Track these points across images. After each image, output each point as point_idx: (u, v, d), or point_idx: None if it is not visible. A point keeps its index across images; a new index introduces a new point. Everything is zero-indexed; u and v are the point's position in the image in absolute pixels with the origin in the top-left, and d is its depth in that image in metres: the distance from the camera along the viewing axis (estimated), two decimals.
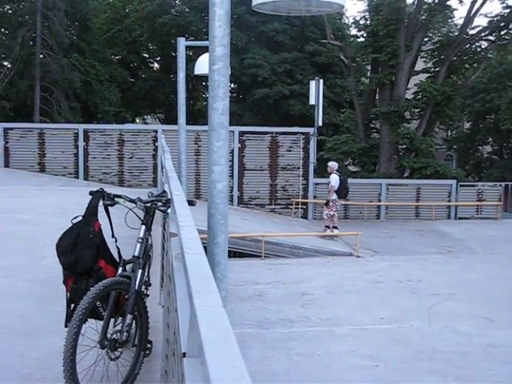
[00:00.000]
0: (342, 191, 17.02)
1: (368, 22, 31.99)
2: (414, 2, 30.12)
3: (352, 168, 35.13)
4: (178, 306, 2.50)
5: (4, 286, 6.01)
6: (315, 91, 22.06)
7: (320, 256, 14.16)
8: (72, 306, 4.07)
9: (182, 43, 7.81)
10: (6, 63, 47.80)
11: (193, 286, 1.75)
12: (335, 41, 31.14)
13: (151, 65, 57.82)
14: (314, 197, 21.15)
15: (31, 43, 46.12)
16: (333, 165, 17.46)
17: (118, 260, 4.23)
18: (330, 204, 16.91)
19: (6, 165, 18.52)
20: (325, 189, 18.26)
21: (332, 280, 11.15)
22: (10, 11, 51.20)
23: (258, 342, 7.10)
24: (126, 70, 51.99)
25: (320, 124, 22.35)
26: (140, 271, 4.17)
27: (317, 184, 21.12)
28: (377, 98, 30.83)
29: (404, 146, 29.20)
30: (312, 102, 22.36)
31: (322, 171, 23.04)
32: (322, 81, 22.78)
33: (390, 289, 10.48)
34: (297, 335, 7.51)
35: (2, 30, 52.97)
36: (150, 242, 4.38)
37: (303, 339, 7.38)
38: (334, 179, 16.92)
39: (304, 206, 21.15)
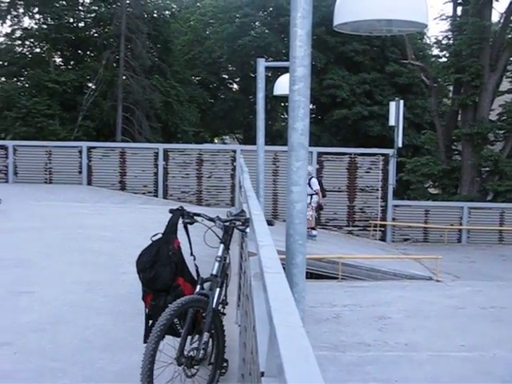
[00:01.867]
0: (323, 192, 17.57)
1: (451, 41, 31.45)
2: (499, 21, 29.44)
3: (432, 190, 34.44)
4: (257, 325, 2.49)
5: (85, 301, 6.15)
6: (395, 112, 21.78)
7: (398, 279, 13.90)
8: (150, 322, 4.12)
9: (261, 64, 7.88)
10: (90, 84, 49.45)
11: (272, 306, 1.74)
12: (416, 61, 30.75)
13: (230, 86, 58.58)
14: (393, 219, 20.82)
15: (115, 65, 47.55)
16: (311, 169, 17.89)
17: (196, 278, 4.26)
18: (314, 206, 17.14)
19: (89, 183, 19.08)
20: (405, 211, 17.95)
21: (411, 304, 10.91)
22: (95, 34, 53.06)
23: (334, 365, 7.00)
24: (206, 90, 52.86)
25: (400, 145, 22.04)
26: (218, 290, 4.19)
27: (396, 206, 20.81)
28: (459, 119, 30.19)
29: (487, 169, 28.41)
30: (392, 123, 22.08)
31: (401, 193, 22.69)
32: (402, 102, 22.50)
33: (471, 315, 10.16)
34: (373, 359, 7.37)
35: (88, 52, 54.93)
36: (228, 260, 4.40)
37: (380, 364, 7.23)
38: (315, 183, 17.08)
39: (382, 228, 20.85)
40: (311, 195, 16.82)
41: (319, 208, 17.53)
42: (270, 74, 35.09)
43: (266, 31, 48.76)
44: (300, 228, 2.69)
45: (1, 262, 7.72)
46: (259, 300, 2.55)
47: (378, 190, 20.73)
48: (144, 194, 18.89)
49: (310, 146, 2.78)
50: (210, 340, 4.17)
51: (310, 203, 16.89)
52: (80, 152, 19.38)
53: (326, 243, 17.37)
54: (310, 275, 13.44)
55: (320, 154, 20.40)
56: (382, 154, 20.98)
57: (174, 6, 59.63)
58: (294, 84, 2.69)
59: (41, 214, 12.40)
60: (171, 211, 4.29)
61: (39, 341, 4.98)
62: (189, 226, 4.26)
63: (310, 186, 16.87)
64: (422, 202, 24.85)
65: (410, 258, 16.46)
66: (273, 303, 1.77)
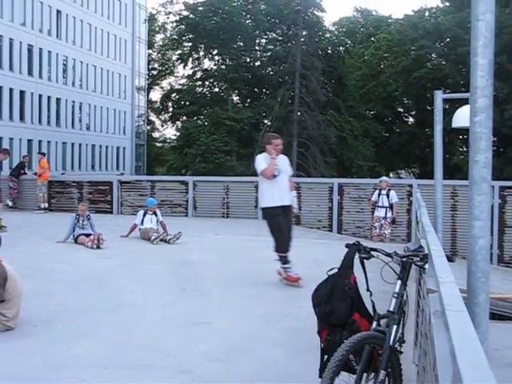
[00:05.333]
0: None
1: None
2: None
3: None
4: (438, 365, 2.40)
5: (260, 333, 6.25)
6: None
7: None
8: (326, 357, 4.10)
9: (438, 96, 7.70)
10: (266, 121, 50.94)
11: (456, 345, 1.66)
12: None
13: (406, 119, 57.70)
14: None
15: (290, 101, 48.63)
16: (387, 179, 17.18)
17: (372, 314, 4.19)
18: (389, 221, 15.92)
19: None
20: None
21: None
22: (271, 73, 54.73)
23: None
24: (381, 124, 52.52)
25: None
26: (395, 327, 4.09)
27: None
28: None
29: None
30: None
31: None
32: None
33: None
34: None
35: (264, 90, 56.72)
36: (405, 297, 4.29)
37: None
38: (395, 195, 16.01)
39: None
40: (386, 208, 15.94)
41: (392, 222, 16.33)
42: (447, 106, 34.21)
43: (443, 62, 47.61)
44: (483, 265, 2.58)
45: (181, 293, 8.07)
46: (440, 339, 2.45)
47: None
48: (318, 228, 19.01)
49: (491, 179, 2.67)
50: (387, 379, 4.07)
51: (385, 217, 15.92)
52: (256, 187, 19.93)
53: (510, 282, 16.38)
54: (493, 316, 12.73)
55: (502, 188, 19.40)
56: None
57: (349, 42, 60.15)
58: (475, 115, 2.61)
59: (218, 247, 12.86)
60: (347, 246, 4.27)
61: (216, 370, 5.12)
62: (365, 260, 4.22)
63: (387, 197, 16.09)
64: None
65: None
66: (456, 342, 1.69)
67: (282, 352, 5.62)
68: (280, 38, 55.00)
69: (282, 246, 8.32)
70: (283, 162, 8.63)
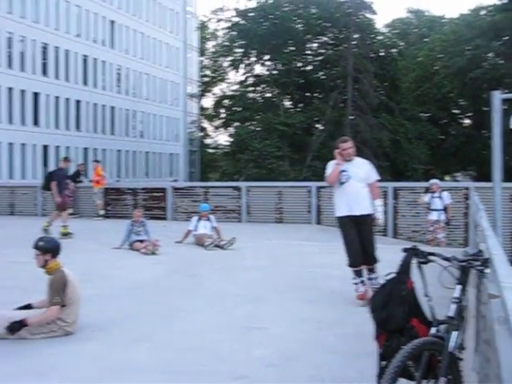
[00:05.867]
0: None
1: None
2: None
3: None
4: (503, 373, 2.32)
5: (315, 339, 6.20)
6: None
7: None
8: (383, 363, 4.03)
9: (496, 97, 7.53)
10: (318, 125, 50.78)
11: None
12: None
13: (461, 121, 56.71)
14: None
15: (342, 105, 48.37)
16: (437, 181, 16.46)
17: (430, 319, 4.10)
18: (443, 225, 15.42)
19: (318, 222, 19.42)
20: None
21: None
22: (323, 77, 54.57)
23: None
24: (435, 127, 51.74)
25: None
26: (454, 333, 3.99)
27: None
28: None
29: None
30: None
31: None
32: None
33: None
34: None
35: (316, 94, 56.57)
36: (464, 303, 4.19)
37: None
38: (448, 196, 15.62)
39: None
40: (439, 211, 15.36)
41: (446, 224, 15.78)
42: (506, 107, 33.49)
43: (500, 62, 46.64)
44: None
45: (236, 298, 8.07)
46: (504, 346, 2.37)
47: None
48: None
49: None
50: None
51: (438, 220, 15.34)
52: (309, 192, 19.85)
53: None
54: None
55: None
56: None
57: (402, 44, 59.53)
58: None
59: (272, 252, 12.84)
60: (405, 250, 4.19)
61: (271, 375, 5.10)
62: (423, 265, 4.14)
63: (440, 199, 15.46)
64: None
65: None
66: None
67: (337, 358, 5.56)
68: (331, 42, 54.80)
69: (348, 258, 7.80)
70: (357, 167, 7.84)
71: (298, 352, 5.75)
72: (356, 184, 7.74)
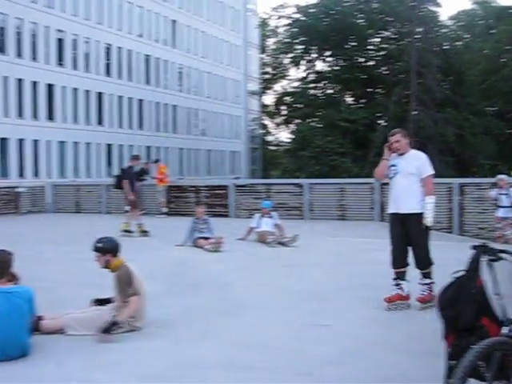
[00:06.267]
0: None
1: None
2: None
3: None
4: None
5: (378, 337, 6.11)
6: None
7: None
8: (452, 362, 3.94)
9: None
10: (381, 121, 50.20)
11: None
12: None
13: None
14: None
15: (405, 100, 47.65)
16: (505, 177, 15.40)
17: (502, 319, 3.99)
18: None
19: (382, 219, 19.18)
20: None
21: None
22: (385, 72, 53.92)
23: None
24: (502, 121, 50.42)
25: None
26: None
27: None
28: None
29: None
30: None
31: None
32: None
33: None
34: None
35: (378, 90, 55.93)
36: None
37: None
38: None
39: None
40: (507, 208, 14.67)
41: None
42: None
43: None
44: None
45: (299, 295, 8.04)
46: None
47: None
48: (438, 230, 18.44)
49: None
50: None
51: (505, 217, 14.73)
52: (372, 188, 19.64)
53: None
54: None
55: None
56: None
57: (467, 36, 58.24)
58: None
59: (335, 249, 12.76)
60: (474, 247, 4.08)
61: (334, 373, 5.05)
62: (493, 263, 4.02)
63: (508, 196, 14.71)
64: None
65: None
66: None
67: (402, 356, 5.47)
68: (394, 36, 54.07)
69: (391, 258, 7.34)
70: (407, 162, 7.23)
71: (362, 350, 5.68)
72: (403, 180, 7.20)
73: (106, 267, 6.34)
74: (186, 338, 6.01)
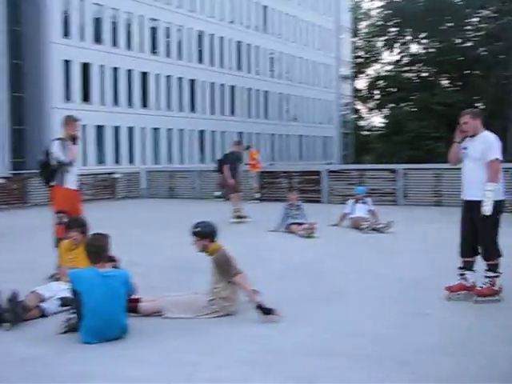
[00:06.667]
0: None
1: None
2: None
3: None
4: None
5: (481, 327, 5.88)
6: None
7: None
8: None
9: None
10: (478, 104, 48.56)
11: None
12: None
13: None
14: None
15: (504, 82, 45.92)
16: None
17: None
18: None
19: None
20: None
21: None
22: (484, 53, 52.05)
23: None
24: None
25: None
26: None
27: None
28: None
29: None
30: None
31: None
32: None
33: None
34: None
35: (476, 71, 54.09)
36: None
37: None
38: None
39: None
40: None
41: None
42: None
43: None
44: None
45: (395, 283, 7.86)
46: None
47: None
48: None
49: None
50: None
51: None
52: None
53: None
54: None
55: None
56: None
57: None
58: None
59: (430, 236, 12.41)
60: None
61: (436, 363, 4.88)
62: None
63: None
64: None
65: None
66: None
67: (506, 348, 5.23)
68: (494, 15, 52.05)
69: (459, 246, 7.06)
70: (475, 145, 6.80)
71: (463, 340, 5.48)
72: (470, 164, 6.83)
73: (203, 251, 6.36)
74: (281, 324, 5.96)
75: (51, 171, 8.83)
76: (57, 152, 8.72)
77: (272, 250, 10.82)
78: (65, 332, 5.56)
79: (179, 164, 46.19)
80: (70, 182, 8.88)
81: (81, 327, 5.40)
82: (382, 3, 55.43)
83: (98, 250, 5.63)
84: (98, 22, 42.51)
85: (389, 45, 57.35)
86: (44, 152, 9.04)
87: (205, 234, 6.35)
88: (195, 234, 6.35)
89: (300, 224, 12.58)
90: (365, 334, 5.65)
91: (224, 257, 6.25)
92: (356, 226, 13.04)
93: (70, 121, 9.03)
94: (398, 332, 5.73)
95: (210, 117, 51.32)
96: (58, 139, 8.91)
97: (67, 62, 40.43)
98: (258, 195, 21.38)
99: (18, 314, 5.84)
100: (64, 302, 6.17)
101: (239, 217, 15.03)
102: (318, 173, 21.39)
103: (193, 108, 50.07)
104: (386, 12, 54.91)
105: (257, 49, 56.88)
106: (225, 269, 6.18)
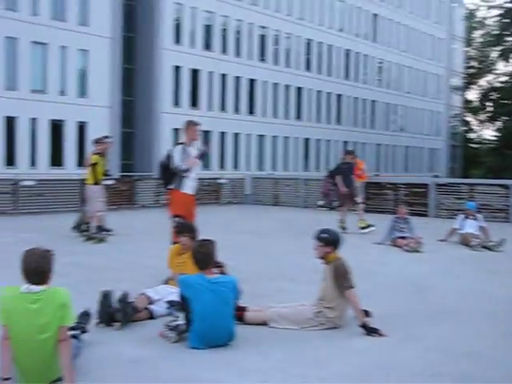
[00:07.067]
0: None
1: None
2: None
3: None
4: None
5: None
6: None
7: None
8: None
9: None
10: None
11: None
12: None
13: None
14: None
15: None
16: None
17: None
18: None
19: None
20: None
21: None
22: None
23: None
24: None
25: None
26: None
27: None
28: None
29: None
30: None
31: None
32: None
33: None
34: None
35: None
36: None
37: None
38: None
39: None
40: None
41: None
42: None
43: None
44: None
45: (508, 305, 7.56)
46: None
47: None
48: None
49: None
50: None
51: None
52: None
53: None
54: None
55: None
56: None
57: None
58: None
59: None
60: None
61: None
62: None
63: None
64: None
65: None
66: None
67: None
68: None
69: None
70: None
71: None
72: None
73: (323, 258, 6.31)
74: (389, 339, 5.84)
75: (171, 174, 9.08)
76: (176, 157, 8.96)
77: (377, 263, 10.64)
78: (175, 342, 5.58)
79: (283, 171, 46.37)
80: (188, 186, 9.10)
81: (189, 332, 5.48)
82: (499, 11, 53.47)
83: (204, 257, 5.69)
84: (208, 29, 43.38)
85: (505, 55, 55.25)
86: (166, 155, 9.31)
87: (330, 241, 6.30)
88: (321, 239, 6.30)
89: (406, 238, 12.31)
90: (473, 354, 5.48)
91: (343, 267, 6.20)
92: (465, 242, 12.62)
93: (190, 125, 9.27)
94: (509, 354, 5.50)
95: (316, 125, 51.22)
96: (180, 144, 9.17)
97: (177, 68, 41.42)
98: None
99: (128, 315, 6.01)
100: (172, 305, 6.28)
101: (365, 227, 14.83)
102: (425, 185, 20.89)
103: (299, 116, 50.13)
104: (503, 21, 52.94)
105: (365, 57, 56.32)
106: (341, 279, 6.11)
